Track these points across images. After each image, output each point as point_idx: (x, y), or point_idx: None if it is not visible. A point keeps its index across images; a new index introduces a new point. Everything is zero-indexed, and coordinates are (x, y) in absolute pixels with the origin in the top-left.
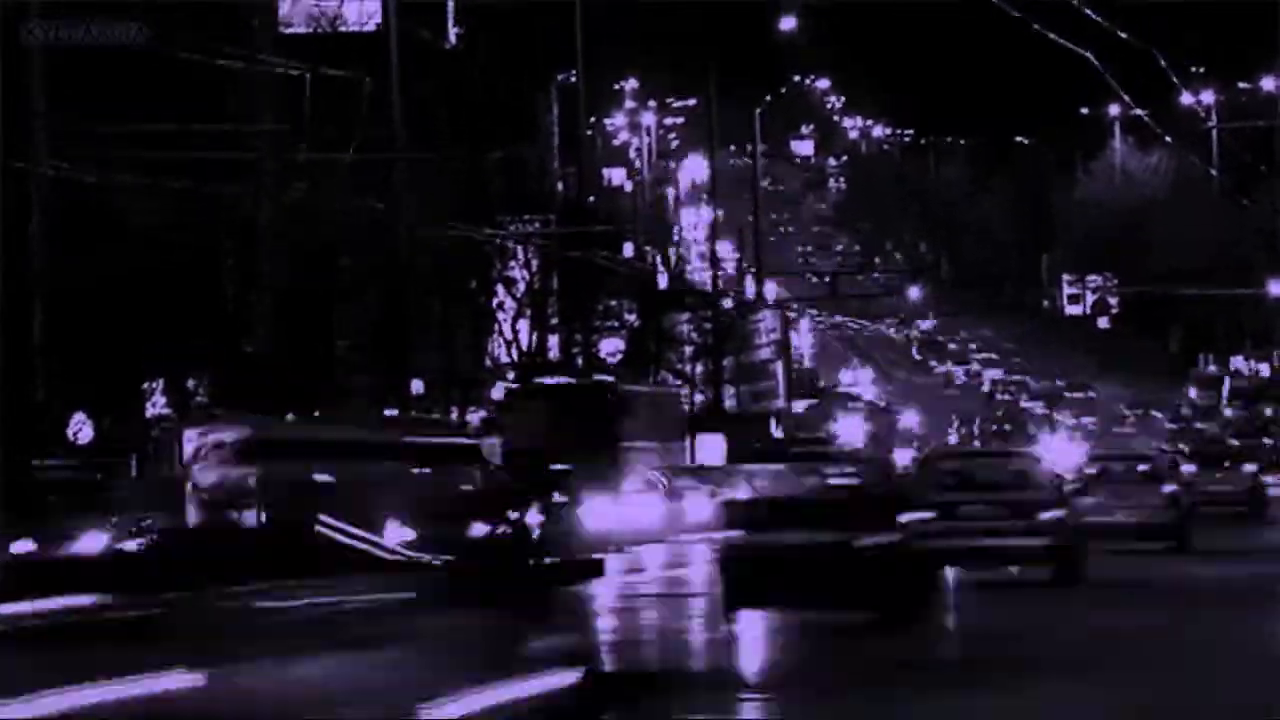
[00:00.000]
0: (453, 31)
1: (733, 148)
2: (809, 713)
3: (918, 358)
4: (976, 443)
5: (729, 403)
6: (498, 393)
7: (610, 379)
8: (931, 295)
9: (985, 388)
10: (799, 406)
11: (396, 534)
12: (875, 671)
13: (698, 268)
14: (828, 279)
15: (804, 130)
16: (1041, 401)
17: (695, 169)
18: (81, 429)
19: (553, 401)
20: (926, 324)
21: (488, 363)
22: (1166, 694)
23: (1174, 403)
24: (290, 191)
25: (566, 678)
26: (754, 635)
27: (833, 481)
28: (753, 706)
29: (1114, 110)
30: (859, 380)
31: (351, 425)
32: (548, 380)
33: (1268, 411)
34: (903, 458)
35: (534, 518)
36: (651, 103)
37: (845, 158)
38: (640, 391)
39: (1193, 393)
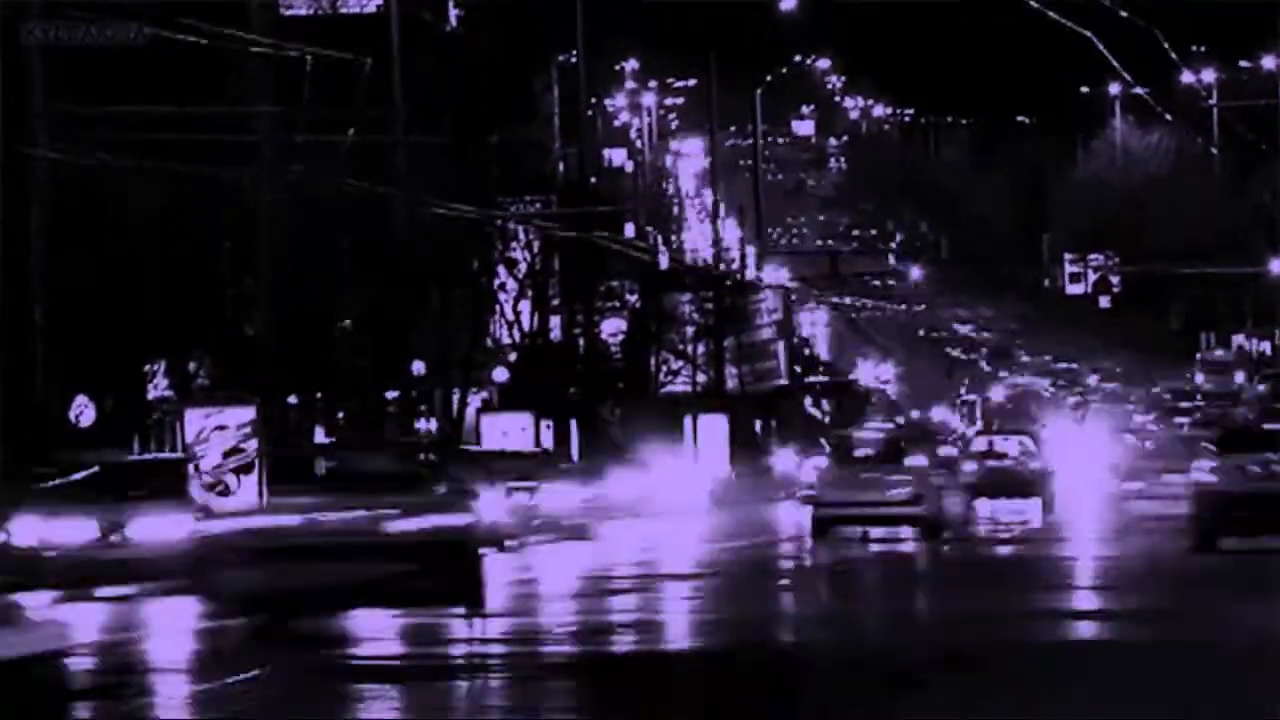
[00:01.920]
0: (453, 13)
1: (733, 128)
2: None
3: (987, 369)
4: (978, 423)
5: (730, 383)
6: (500, 374)
7: None
8: (932, 275)
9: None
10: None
11: None
12: None
13: (700, 246)
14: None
15: (804, 111)
16: (1098, 397)
17: (695, 149)
18: (83, 411)
19: None
20: (965, 328)
21: (488, 343)
22: None
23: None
24: (289, 174)
25: None
26: None
27: None
28: None
29: (1115, 89)
30: (882, 374)
31: None
32: None
33: None
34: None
35: None
36: (652, 83)
37: (846, 138)
38: None
39: (1199, 379)
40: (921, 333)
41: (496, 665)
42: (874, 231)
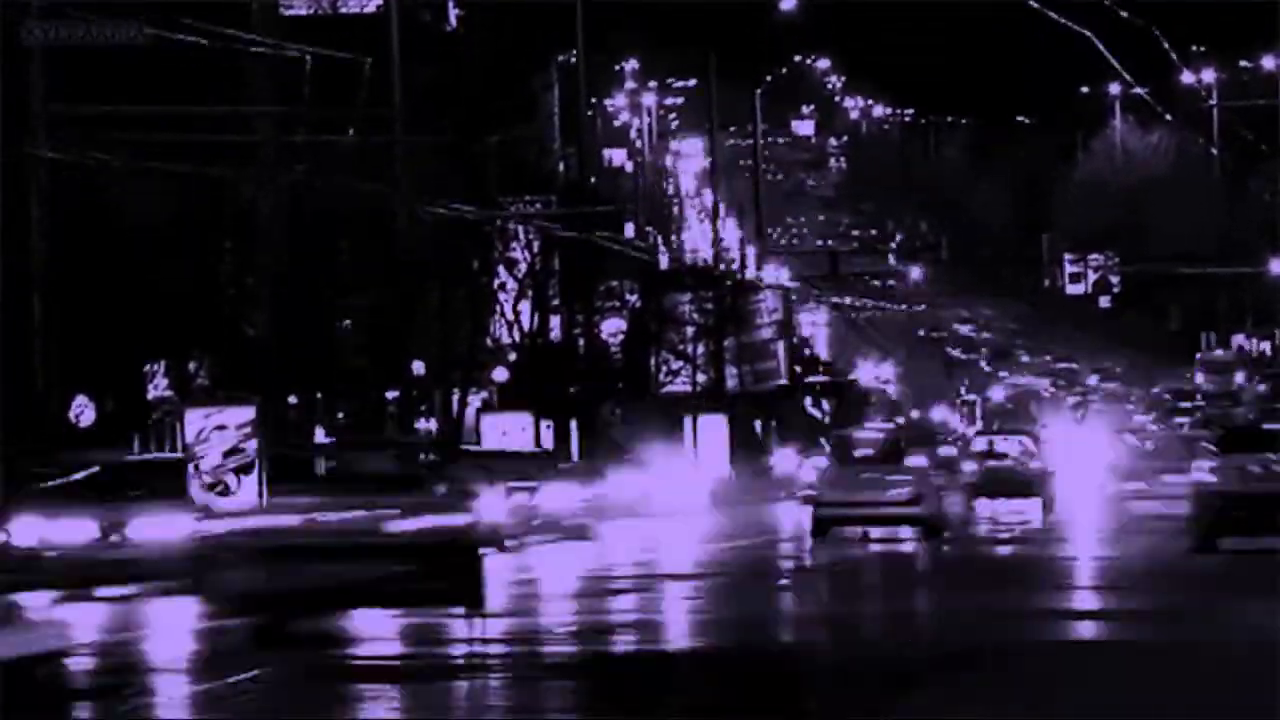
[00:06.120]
0: (453, 13)
1: (733, 128)
2: None
3: (987, 369)
4: (979, 423)
5: (730, 383)
6: (500, 374)
7: None
8: (932, 275)
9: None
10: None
11: None
12: None
13: (700, 246)
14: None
15: (804, 110)
16: (1098, 397)
17: (695, 149)
18: (83, 411)
19: None
20: (966, 328)
21: (488, 343)
22: None
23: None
24: (289, 174)
25: None
26: None
27: None
28: None
29: (1115, 89)
30: (882, 374)
31: None
32: None
33: None
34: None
35: None
36: (652, 83)
37: (846, 138)
38: None
39: (1200, 378)
40: (921, 333)
41: (496, 665)
42: (874, 231)
